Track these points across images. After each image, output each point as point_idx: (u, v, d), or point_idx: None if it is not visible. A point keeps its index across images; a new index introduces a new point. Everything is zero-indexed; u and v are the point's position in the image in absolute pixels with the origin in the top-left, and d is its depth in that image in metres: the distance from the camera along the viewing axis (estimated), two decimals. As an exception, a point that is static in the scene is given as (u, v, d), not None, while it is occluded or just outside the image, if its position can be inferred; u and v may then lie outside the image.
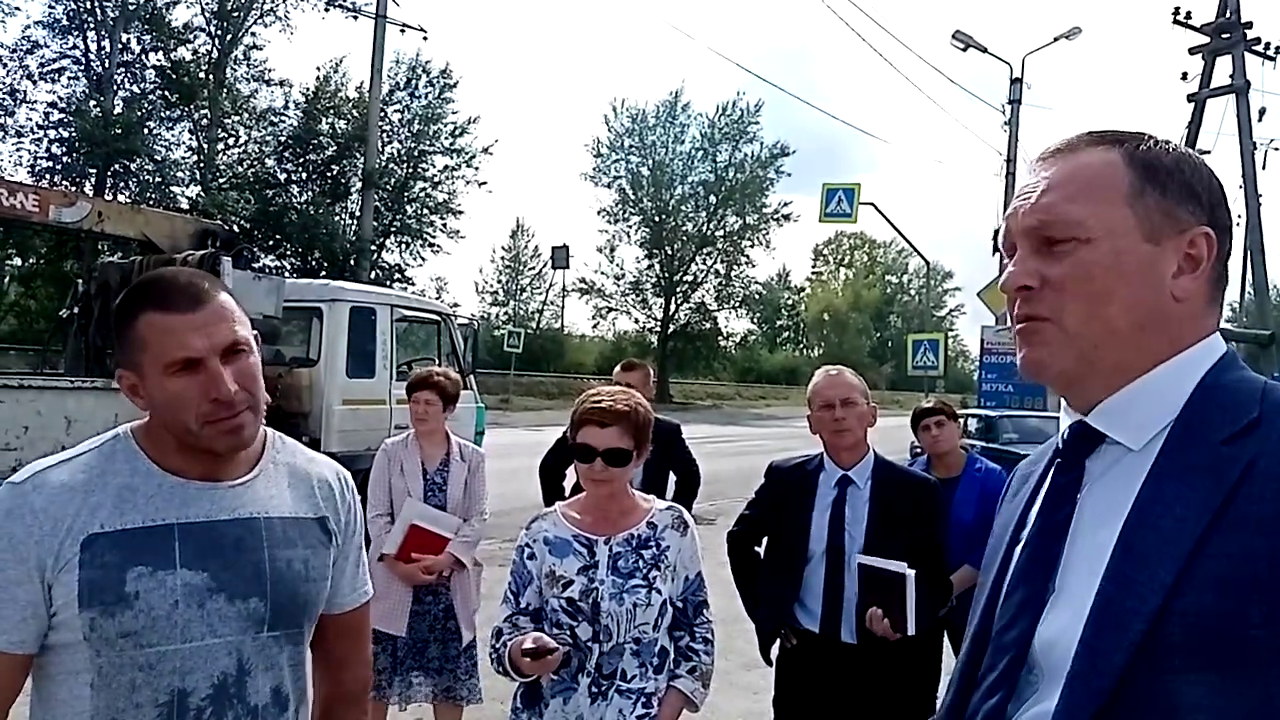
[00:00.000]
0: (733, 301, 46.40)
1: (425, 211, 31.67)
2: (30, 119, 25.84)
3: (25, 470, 1.44)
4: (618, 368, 5.01)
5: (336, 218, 28.89)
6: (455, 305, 19.13)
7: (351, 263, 25.51)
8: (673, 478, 4.99)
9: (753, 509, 3.40)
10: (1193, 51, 20.18)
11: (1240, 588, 0.84)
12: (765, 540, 3.36)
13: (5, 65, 25.56)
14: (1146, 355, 0.98)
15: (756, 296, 48.76)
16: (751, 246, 45.47)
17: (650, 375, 5.04)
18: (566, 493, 4.68)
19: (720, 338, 47.88)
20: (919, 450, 6.52)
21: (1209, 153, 21.05)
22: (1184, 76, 20.38)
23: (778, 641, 3.20)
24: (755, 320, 57.42)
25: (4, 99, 25.50)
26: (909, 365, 21.30)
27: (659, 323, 44.95)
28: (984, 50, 22.21)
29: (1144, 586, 0.88)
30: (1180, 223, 0.98)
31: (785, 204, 44.69)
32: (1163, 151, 1.01)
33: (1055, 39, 22.80)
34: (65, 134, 25.36)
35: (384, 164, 29.73)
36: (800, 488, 3.15)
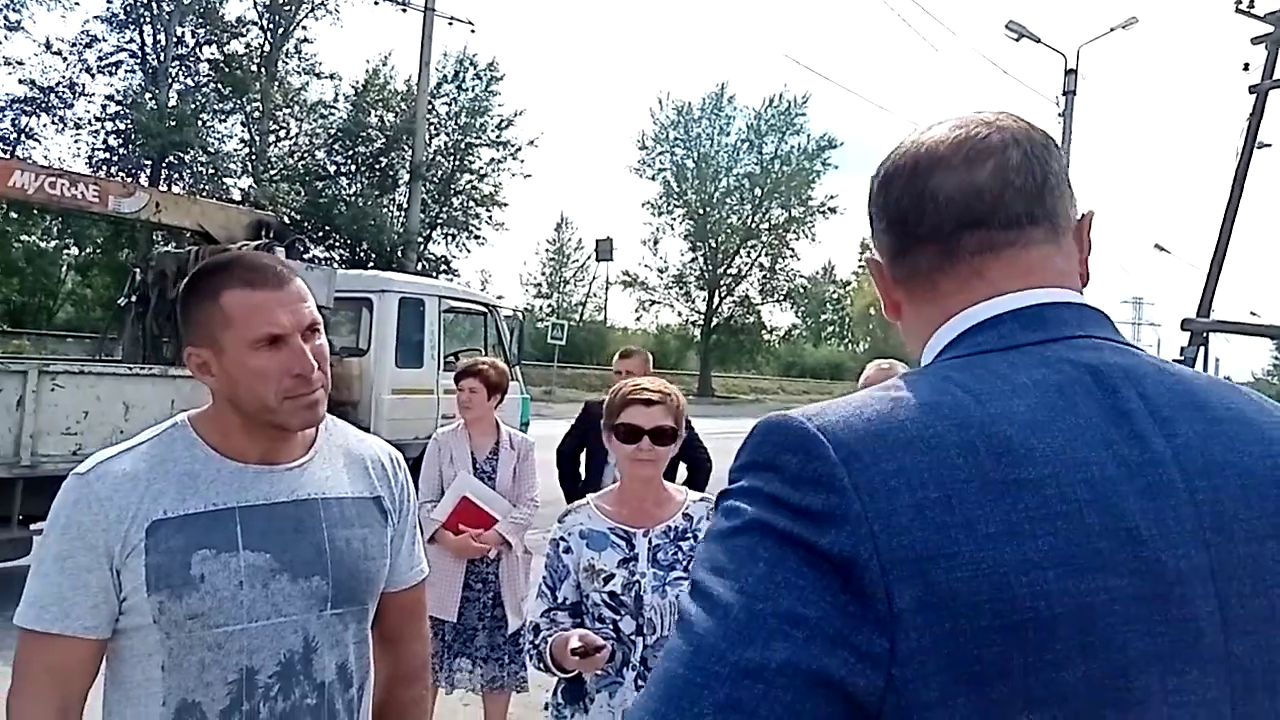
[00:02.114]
0: (777, 295, 46.06)
1: (471, 203, 31.91)
2: (88, 111, 26.54)
3: (89, 461, 1.48)
4: (617, 355, 5.19)
5: (384, 209, 29.22)
6: (500, 297, 19.23)
7: (399, 254, 25.78)
8: (683, 469, 5.02)
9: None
10: (1255, 41, 19.62)
11: None
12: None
13: (65, 59, 26.23)
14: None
15: (801, 290, 48.38)
16: (796, 239, 45.16)
17: (648, 361, 5.19)
18: (583, 477, 4.84)
19: (764, 331, 47.55)
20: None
21: (1269, 145, 20.52)
22: (1245, 67, 19.81)
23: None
24: (799, 314, 57.06)
25: (63, 92, 26.14)
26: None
27: (702, 316, 44.77)
28: (1037, 40, 21.83)
29: None
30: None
31: (831, 196, 44.31)
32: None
33: (1111, 29, 22.36)
34: (121, 126, 25.96)
35: (431, 156, 29.98)
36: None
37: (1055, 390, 0.78)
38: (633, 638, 2.33)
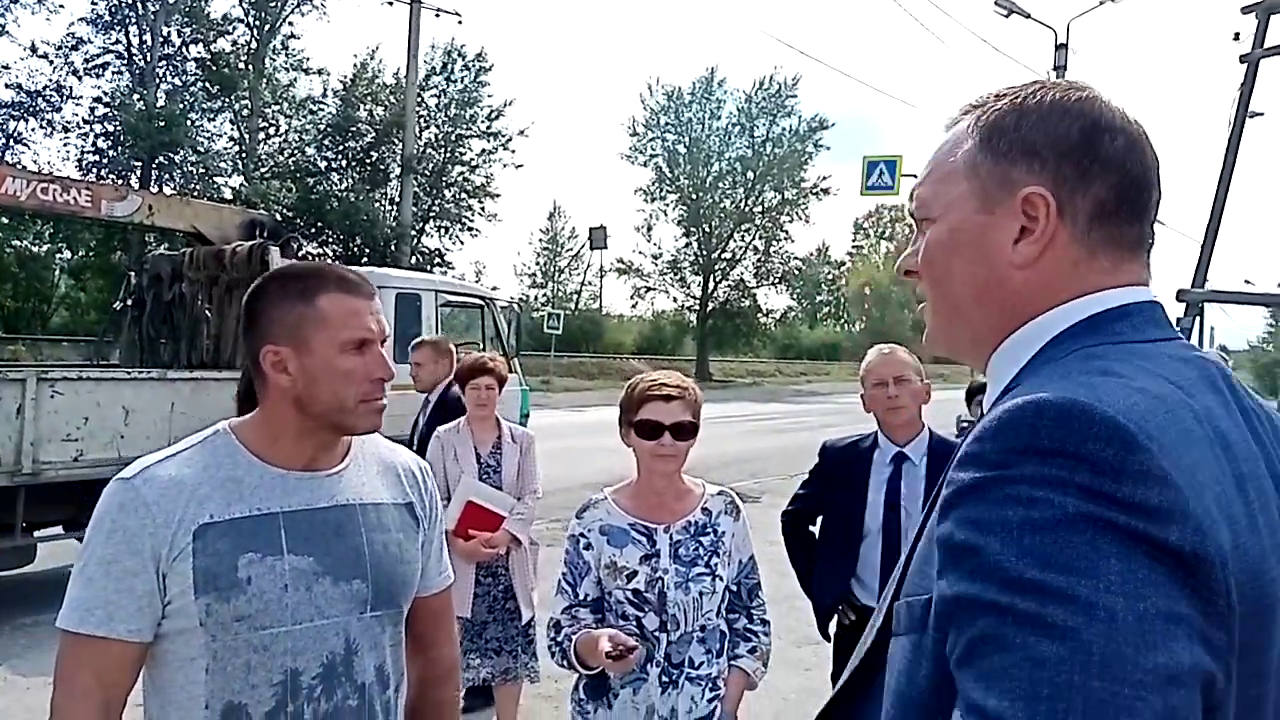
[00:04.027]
0: (772, 278, 46.07)
1: (463, 195, 31.85)
2: (76, 114, 26.40)
3: (133, 466, 1.50)
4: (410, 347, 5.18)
5: (377, 204, 29.14)
6: (495, 288, 19.23)
7: (392, 248, 25.74)
8: None
9: (807, 488, 3.42)
10: (1246, 10, 19.51)
11: (920, 560, 0.88)
12: (820, 519, 3.37)
13: (51, 62, 26.08)
14: (991, 328, 0.95)
15: (796, 272, 48.37)
16: (790, 222, 45.15)
17: (445, 350, 5.08)
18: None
19: (760, 315, 47.59)
20: (966, 424, 6.44)
21: (1262, 114, 20.46)
22: (1236, 36, 19.68)
23: (835, 618, 3.21)
24: (794, 296, 57.12)
25: (51, 95, 26.01)
26: (953, 338, 21.03)
27: (697, 301, 44.79)
28: (1027, 16, 21.75)
29: (904, 555, 0.94)
30: (1014, 185, 0.91)
31: (824, 178, 44.31)
32: (1008, 109, 0.94)
33: (1101, 2, 22.29)
34: (110, 128, 25.85)
35: (422, 149, 29.90)
36: (855, 465, 3.16)
37: (1212, 386, 0.82)
38: (656, 634, 2.33)
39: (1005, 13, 21.64)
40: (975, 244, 0.94)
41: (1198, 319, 19.53)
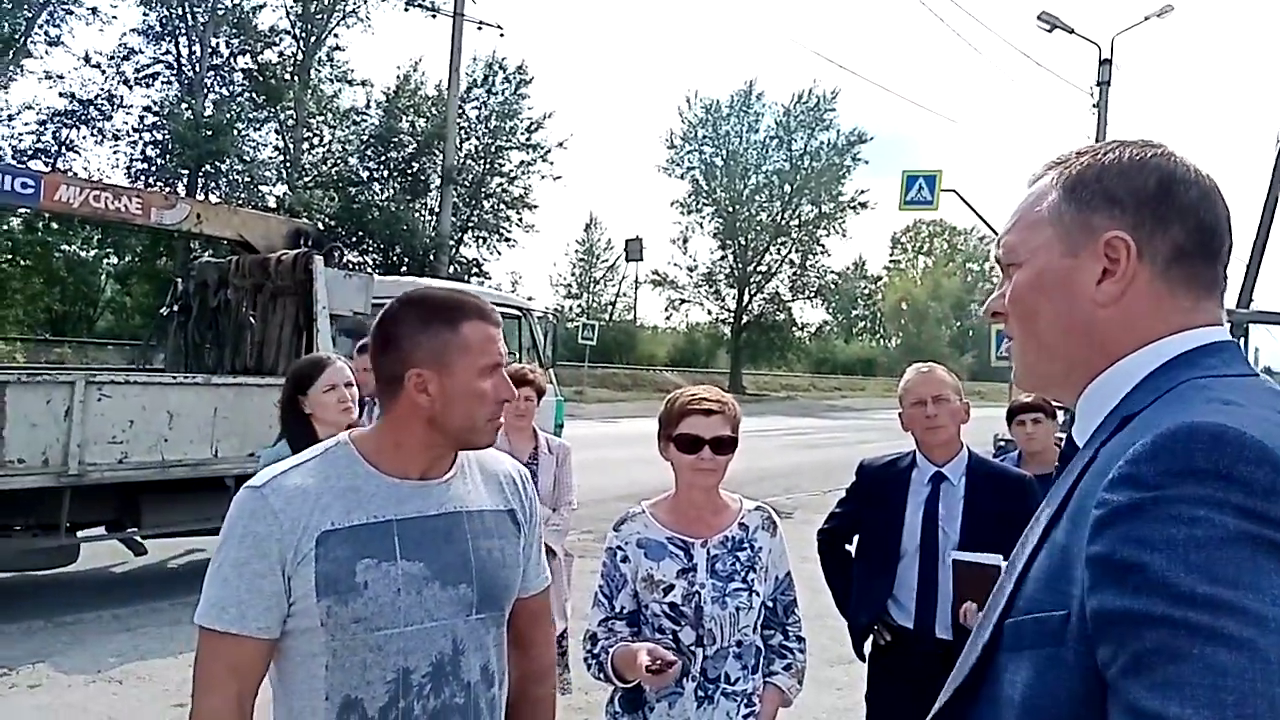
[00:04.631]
0: (807, 292, 45.86)
1: (501, 206, 32.07)
2: (126, 123, 26.87)
3: (261, 475, 1.61)
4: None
5: (416, 214, 29.42)
6: (530, 299, 19.31)
7: (431, 258, 25.96)
8: None
9: (843, 506, 3.41)
10: (1294, 27, 19.21)
11: (1048, 576, 0.90)
12: (856, 538, 3.36)
13: (103, 72, 26.63)
14: (1079, 363, 1.03)
15: (832, 286, 48.13)
16: (827, 235, 44.95)
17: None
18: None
19: (794, 328, 47.34)
20: (1003, 443, 6.36)
21: (1311, 132, 20.05)
22: (1284, 53, 19.42)
23: (870, 637, 3.20)
24: (830, 310, 56.76)
25: (102, 104, 26.54)
26: (991, 356, 20.80)
27: (732, 314, 44.69)
28: (1071, 31, 21.53)
29: (1011, 577, 0.97)
30: (1095, 231, 1.00)
31: (862, 191, 44.01)
32: (1090, 164, 1.03)
33: (1146, 18, 22.01)
34: (159, 137, 26.27)
35: (462, 160, 30.16)
36: (892, 485, 3.14)
37: None
38: (693, 649, 2.33)
39: (1048, 27, 21.44)
40: (1061, 285, 1.02)
41: (1243, 340, 19.19)
